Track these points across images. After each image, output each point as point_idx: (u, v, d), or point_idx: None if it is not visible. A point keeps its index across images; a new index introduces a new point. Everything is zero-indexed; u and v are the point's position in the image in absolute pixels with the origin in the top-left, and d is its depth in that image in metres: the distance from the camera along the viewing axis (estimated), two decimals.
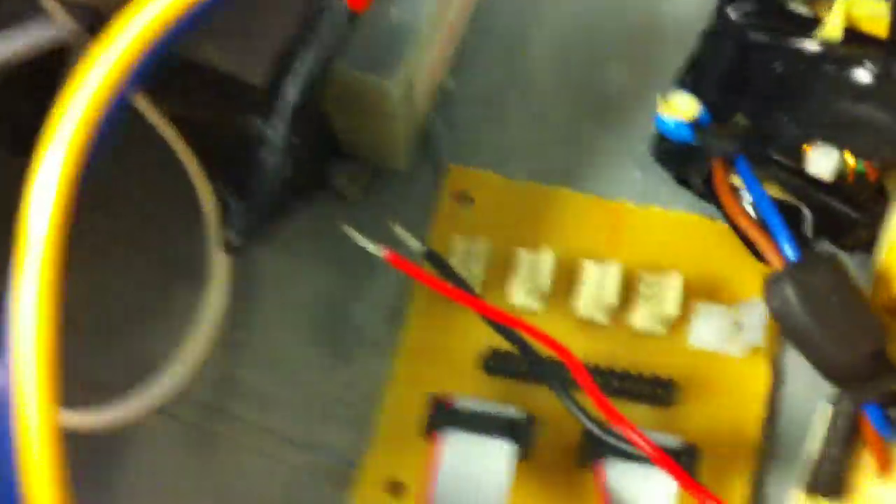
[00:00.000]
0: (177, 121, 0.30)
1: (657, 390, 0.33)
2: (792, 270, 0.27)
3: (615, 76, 0.37)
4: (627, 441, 0.29)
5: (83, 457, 0.32)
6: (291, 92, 0.25)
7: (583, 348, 0.33)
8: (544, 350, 0.30)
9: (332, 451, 0.33)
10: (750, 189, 0.30)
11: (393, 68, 0.28)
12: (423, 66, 0.30)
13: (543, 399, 0.33)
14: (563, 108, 0.36)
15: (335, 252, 0.34)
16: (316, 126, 0.31)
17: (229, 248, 0.26)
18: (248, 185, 0.25)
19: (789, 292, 0.27)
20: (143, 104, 0.30)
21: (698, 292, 0.33)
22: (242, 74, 0.26)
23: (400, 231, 0.31)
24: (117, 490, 0.33)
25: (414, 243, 0.31)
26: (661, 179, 0.35)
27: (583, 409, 0.30)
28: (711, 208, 0.34)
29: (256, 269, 0.35)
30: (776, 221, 0.29)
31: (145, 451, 0.33)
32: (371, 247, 0.29)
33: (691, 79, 0.33)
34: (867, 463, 0.31)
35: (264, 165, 0.25)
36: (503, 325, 0.31)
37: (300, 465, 0.33)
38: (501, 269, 0.34)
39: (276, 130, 0.25)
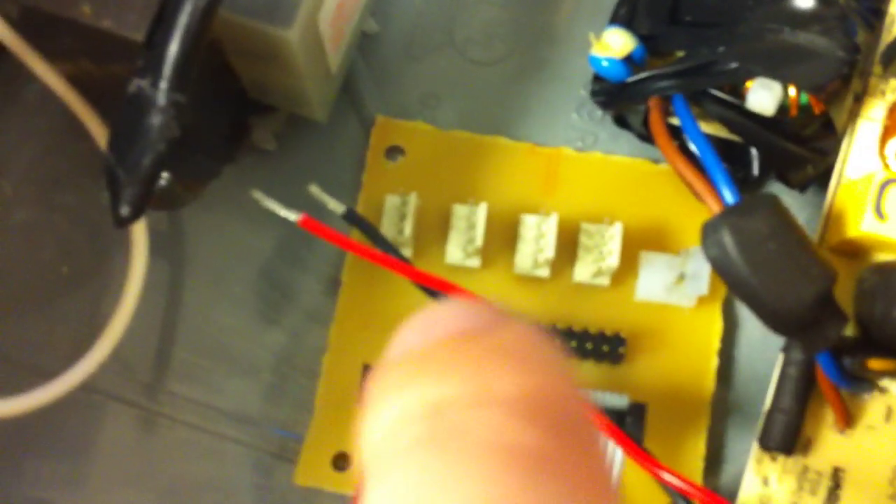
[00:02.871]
0: (73, 83, 0.28)
1: (603, 347, 0.31)
2: (728, 215, 0.26)
3: (551, 13, 0.35)
4: None
5: (23, 439, 0.32)
6: (175, 46, 0.23)
7: (523, 305, 0.31)
8: None
9: (276, 425, 0.32)
10: (685, 128, 0.28)
11: (289, 14, 0.26)
12: (329, 9, 0.28)
13: None
14: (495, 49, 0.34)
15: (271, 218, 0.33)
16: (219, 79, 0.29)
17: (119, 221, 0.24)
18: (132, 151, 0.23)
19: (726, 239, 0.25)
20: (40, 68, 0.28)
21: (643, 241, 0.32)
22: (119, 30, 0.24)
23: (316, 191, 0.29)
24: (64, 475, 0.32)
25: (333, 204, 0.29)
26: (601, 123, 0.33)
27: None
28: (655, 150, 0.32)
29: (189, 239, 0.34)
30: (713, 162, 0.27)
31: (90, 434, 0.32)
32: (283, 212, 0.27)
33: (625, 11, 0.30)
34: (825, 415, 0.29)
35: (146, 127, 0.23)
36: (432, 287, 0.29)
37: (244, 441, 0.32)
38: (435, 225, 0.32)
39: (158, 88, 0.23)
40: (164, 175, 0.31)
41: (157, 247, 0.31)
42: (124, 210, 0.24)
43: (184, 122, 0.24)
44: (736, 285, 0.26)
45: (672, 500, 0.28)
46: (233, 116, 0.31)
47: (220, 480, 0.32)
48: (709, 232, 0.26)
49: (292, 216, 0.27)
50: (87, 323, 0.32)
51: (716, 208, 0.27)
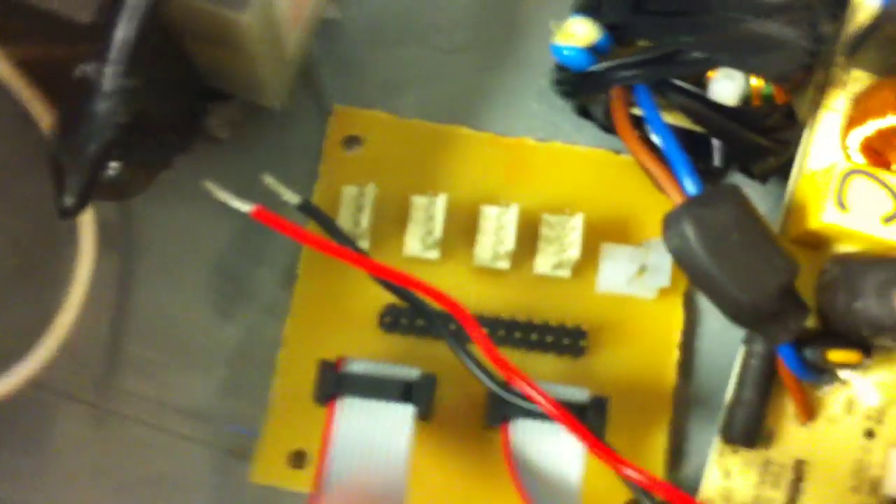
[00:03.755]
0: (21, 68, 0.27)
1: (564, 340, 0.31)
2: (691, 206, 0.25)
3: (516, 1, 0.34)
4: (528, 398, 0.27)
5: None
6: (124, 29, 0.22)
7: (483, 298, 0.31)
8: (437, 305, 0.28)
9: (231, 422, 0.32)
10: (648, 118, 0.28)
11: None
12: None
13: (447, 354, 0.31)
14: (458, 37, 0.34)
15: (225, 209, 0.32)
16: (171, 65, 0.28)
17: (63, 212, 0.23)
18: (77, 138, 0.23)
19: (688, 230, 0.25)
20: None
21: (604, 232, 0.31)
22: (67, 11, 0.23)
23: (271, 182, 0.28)
24: (15, 471, 0.32)
25: (289, 195, 0.28)
26: (563, 113, 0.33)
27: (482, 367, 0.28)
28: (618, 141, 0.31)
29: (140, 230, 0.33)
30: (676, 153, 0.27)
31: (41, 430, 0.32)
32: (236, 203, 0.27)
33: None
34: (787, 407, 0.29)
35: (92, 114, 0.22)
36: (389, 280, 0.28)
37: (199, 438, 0.32)
38: (394, 217, 0.31)
39: (105, 73, 0.22)
40: (114, 164, 0.30)
41: (107, 238, 0.31)
42: (68, 200, 0.23)
43: (133, 109, 0.23)
44: (697, 277, 0.25)
45: (634, 495, 0.27)
46: (186, 104, 0.31)
47: (174, 479, 0.32)
48: (670, 223, 0.25)
49: (245, 207, 0.27)
50: (36, 317, 0.31)
51: (678, 199, 0.26)
